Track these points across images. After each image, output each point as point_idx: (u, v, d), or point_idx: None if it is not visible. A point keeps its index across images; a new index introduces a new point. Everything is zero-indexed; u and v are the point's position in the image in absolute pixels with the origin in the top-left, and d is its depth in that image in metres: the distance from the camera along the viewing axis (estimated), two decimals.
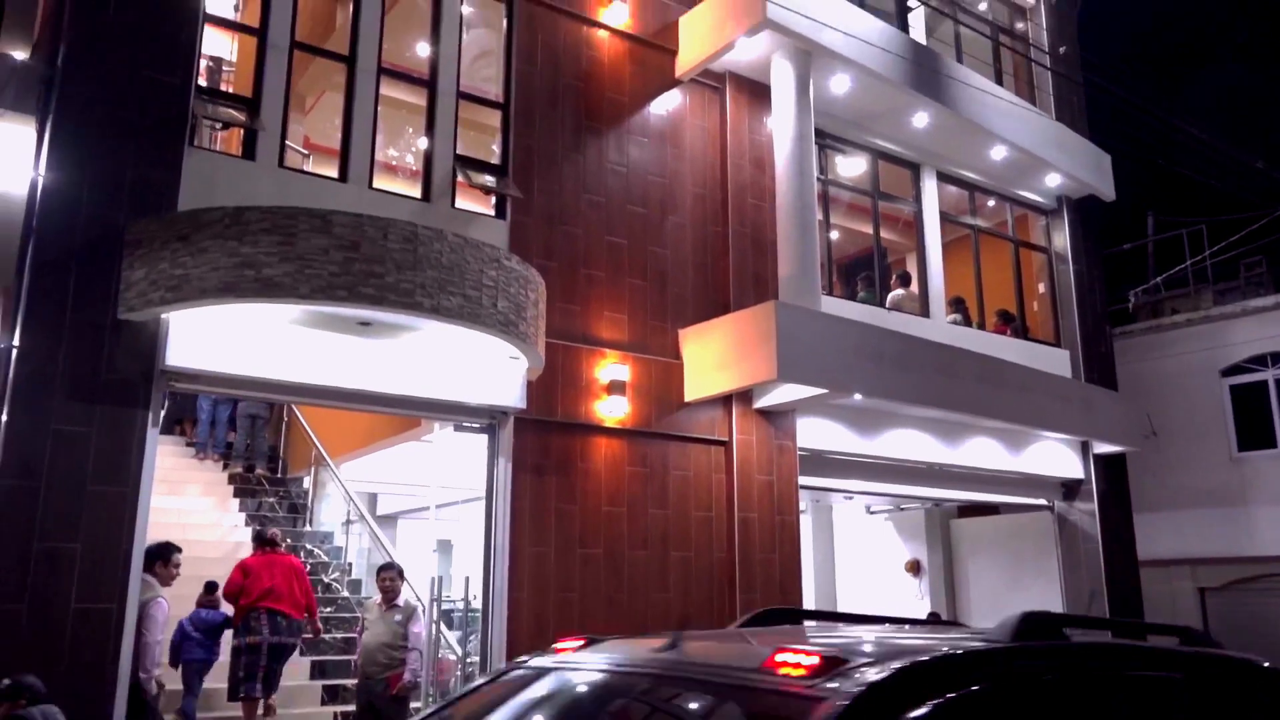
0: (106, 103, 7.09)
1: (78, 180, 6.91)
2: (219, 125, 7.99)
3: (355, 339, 7.44)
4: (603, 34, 10.05)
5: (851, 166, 12.10)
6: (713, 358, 9.46)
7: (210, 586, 8.74)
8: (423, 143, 8.96)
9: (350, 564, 11.62)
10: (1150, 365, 16.36)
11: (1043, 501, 13.11)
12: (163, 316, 6.86)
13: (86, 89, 7.07)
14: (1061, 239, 13.98)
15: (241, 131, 8.00)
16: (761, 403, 9.78)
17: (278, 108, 8.02)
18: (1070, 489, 13.06)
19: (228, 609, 8.56)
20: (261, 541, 8.90)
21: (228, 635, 8.46)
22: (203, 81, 8.10)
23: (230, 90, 8.93)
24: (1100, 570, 12.69)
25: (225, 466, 12.41)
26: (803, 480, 10.11)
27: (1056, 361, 13.16)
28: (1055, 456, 12.59)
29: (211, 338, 7.03)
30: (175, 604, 7.99)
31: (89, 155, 6.98)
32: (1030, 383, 11.40)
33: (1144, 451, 13.48)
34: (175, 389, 7.19)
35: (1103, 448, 12.94)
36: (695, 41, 10.35)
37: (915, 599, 14.55)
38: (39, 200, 6.91)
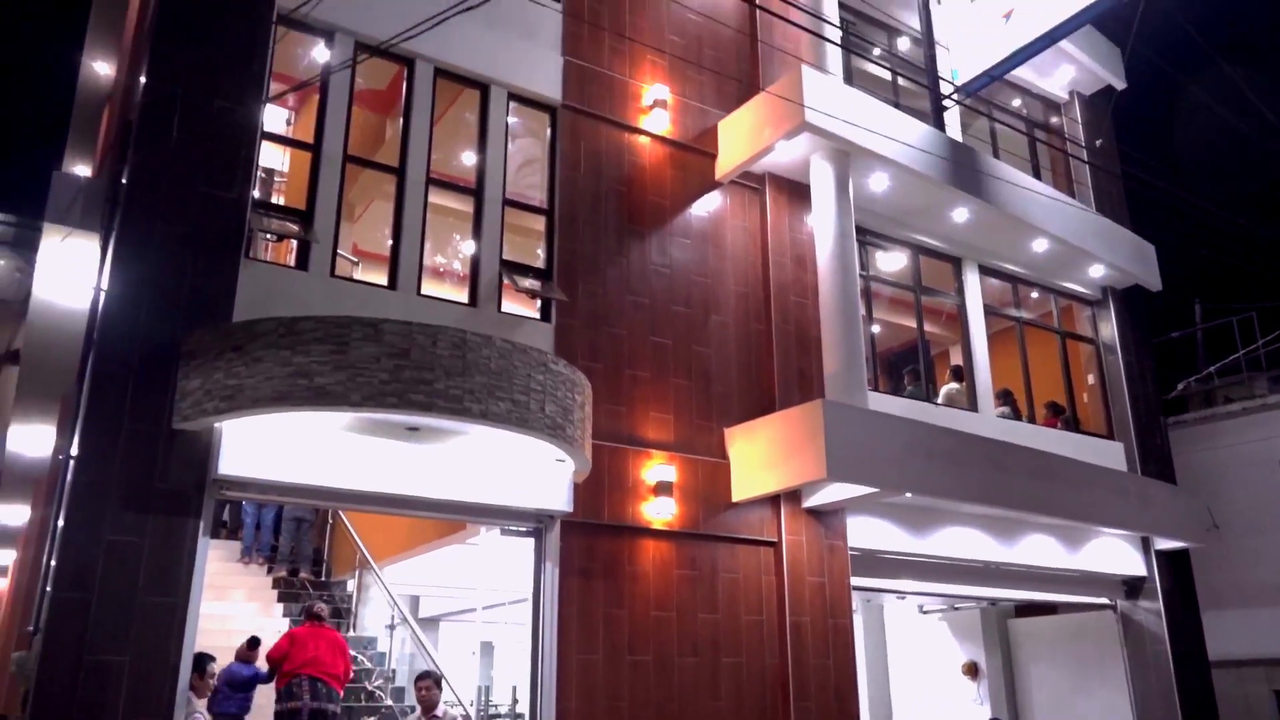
0: (167, 218, 7.32)
1: (137, 293, 7.09)
2: (273, 237, 8.20)
3: (403, 444, 7.46)
4: (644, 140, 10.27)
5: (892, 261, 12.13)
6: (760, 457, 9.35)
7: (253, 642, 8.83)
8: (469, 249, 9.13)
9: (394, 670, 11.43)
10: (1206, 455, 15.92)
11: (1105, 600, 12.65)
12: (216, 426, 6.94)
13: (148, 206, 7.30)
14: (1109, 329, 13.82)
15: (295, 242, 8.20)
16: (810, 502, 9.61)
17: (330, 219, 8.24)
18: (1133, 587, 12.60)
19: (262, 665, 8.64)
20: (309, 615, 9.07)
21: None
22: (256, 192, 8.36)
23: (283, 202, 9.18)
24: (1169, 672, 12.14)
25: (270, 570, 12.37)
26: (854, 581, 9.86)
27: (1111, 454, 12.87)
28: (1115, 553, 12.20)
29: (262, 446, 7.09)
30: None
31: (149, 269, 7.17)
32: (1085, 478, 11.11)
33: (1207, 546, 13.01)
34: (226, 497, 7.23)
35: (1165, 543, 12.52)
36: (734, 145, 10.53)
37: (974, 704, 13.98)
38: (100, 312, 7.11)
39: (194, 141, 7.57)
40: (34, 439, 12.05)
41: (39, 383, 10.63)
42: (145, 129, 7.44)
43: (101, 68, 21.69)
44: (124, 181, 7.29)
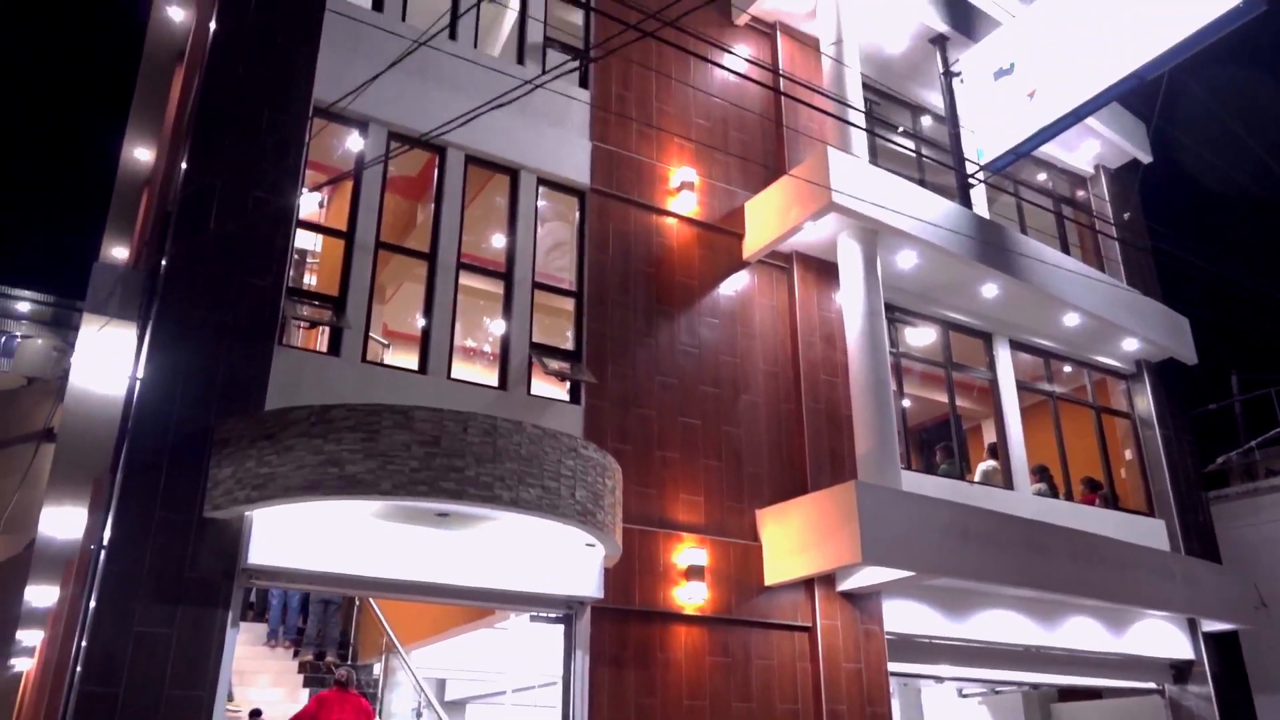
0: (203, 306, 7.42)
1: (172, 380, 7.15)
2: (307, 324, 8.28)
3: (433, 530, 7.40)
4: (671, 221, 10.36)
5: (921, 336, 12.06)
6: (793, 540, 9.20)
7: (255, 714, 9.25)
8: (499, 331, 9.17)
9: None
10: (1250, 531, 15.47)
11: (1151, 685, 12.22)
12: (246, 514, 6.92)
13: (185, 294, 7.41)
14: (1144, 403, 13.61)
15: (327, 328, 8.28)
16: (845, 585, 9.42)
17: (362, 305, 8.33)
18: (1181, 671, 12.18)
19: None
20: (336, 681, 9.56)
21: None
22: (290, 279, 8.47)
23: (314, 283, 9.29)
24: None
25: (296, 654, 12.25)
26: (892, 666, 9.59)
27: (1152, 532, 12.56)
28: (1161, 636, 11.82)
29: (292, 533, 7.05)
30: None
31: (184, 356, 7.24)
32: (1127, 558, 10.83)
33: (1257, 627, 12.58)
34: (255, 585, 7.18)
35: (1212, 625, 12.12)
36: (762, 225, 10.59)
37: None
38: (135, 400, 7.16)
39: (231, 231, 7.71)
40: (66, 521, 12.11)
41: (73, 466, 10.71)
42: (184, 219, 7.60)
43: (141, 153, 22.33)
44: (162, 270, 7.41)
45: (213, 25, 8.43)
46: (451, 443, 6.76)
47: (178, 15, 17.85)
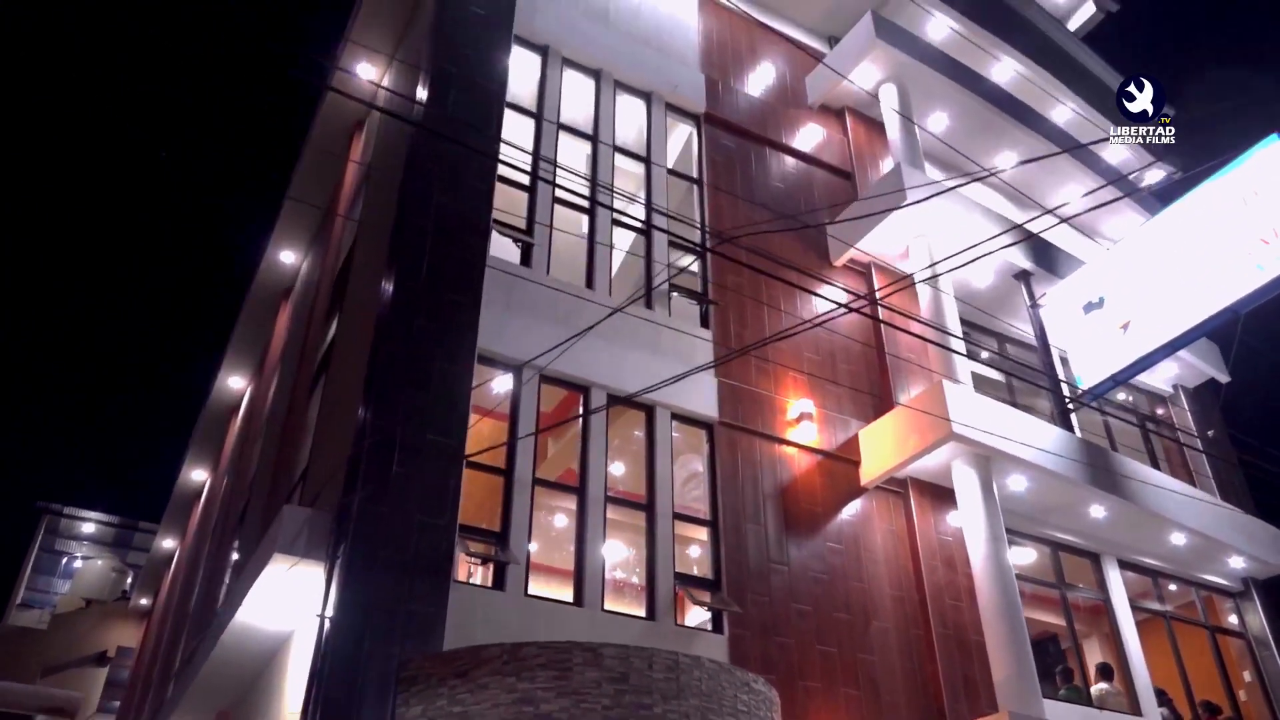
0: (390, 547, 7.87)
1: (361, 620, 7.51)
2: (479, 560, 8.69)
3: None
4: (792, 450, 10.88)
5: (1022, 556, 12.21)
6: None
7: None
8: (644, 562, 9.52)
9: None
10: None
11: None
12: None
13: (372, 536, 7.88)
14: (1256, 621, 13.49)
15: (491, 564, 8.67)
16: None
17: (523, 540, 8.77)
18: None
19: None
20: None
21: None
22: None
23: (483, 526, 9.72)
24: None
25: None
26: None
27: None
28: None
29: None
30: None
31: (372, 596, 7.63)
32: None
33: None
34: None
35: None
36: (878, 453, 11.07)
37: None
38: (325, 638, 7.49)
39: (410, 474, 8.28)
40: None
41: (206, 694, 10.89)
42: (371, 465, 8.18)
43: (235, 381, 23.55)
44: (353, 512, 7.90)
45: (389, 286, 9.33)
46: (639, 680, 6.99)
47: (289, 258, 19.39)
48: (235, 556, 12.93)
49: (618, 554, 10.60)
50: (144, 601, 33.56)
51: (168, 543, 29.80)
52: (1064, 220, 13.60)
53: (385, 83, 14.25)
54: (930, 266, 12.27)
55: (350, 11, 14.31)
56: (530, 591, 8.72)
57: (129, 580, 39.63)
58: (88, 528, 41.06)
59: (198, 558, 22.05)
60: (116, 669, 31.47)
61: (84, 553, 40.56)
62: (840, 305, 12.00)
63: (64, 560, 39.89)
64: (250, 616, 8.95)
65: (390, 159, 12.10)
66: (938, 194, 11.23)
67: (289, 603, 8.58)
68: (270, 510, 12.73)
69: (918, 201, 11.18)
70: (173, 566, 29.25)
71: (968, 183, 12.03)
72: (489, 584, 8.66)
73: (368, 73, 14.42)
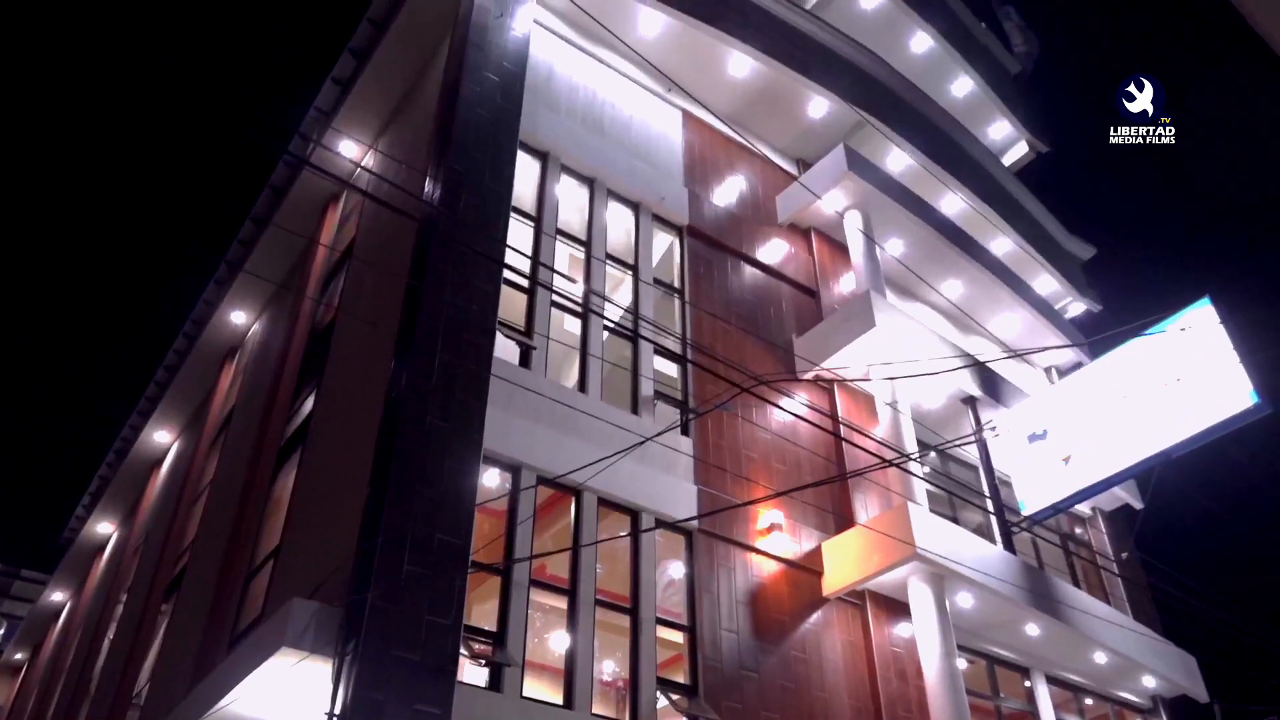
0: (400, 645, 8.03)
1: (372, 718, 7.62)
2: (482, 662, 8.87)
3: None
4: (760, 558, 11.39)
5: (961, 666, 12.92)
6: None
7: None
8: (629, 667, 9.83)
9: None
10: None
11: None
12: None
13: (384, 633, 8.03)
14: None
15: (488, 665, 8.88)
16: None
17: (519, 640, 9.00)
18: None
19: None
20: None
21: None
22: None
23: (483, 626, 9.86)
24: None
25: None
26: None
27: None
28: None
29: None
30: None
31: (381, 694, 7.75)
32: None
33: None
34: None
35: None
36: (841, 566, 11.69)
37: None
38: None
39: (420, 573, 8.48)
40: None
41: None
42: (384, 562, 8.35)
43: (162, 436, 23.01)
44: (366, 611, 8.04)
45: (399, 382, 9.57)
46: None
47: (239, 318, 19.26)
48: (199, 636, 12.55)
49: (604, 656, 10.86)
50: (18, 656, 31.68)
51: (57, 595, 28.35)
52: (1015, 354, 14.69)
53: (368, 163, 14.58)
54: (892, 391, 13.12)
55: (321, 87, 14.75)
56: (525, 693, 8.94)
57: (0, 631, 37.32)
58: None
59: (103, 616, 21.13)
60: None
61: None
62: (802, 419, 12.71)
63: None
64: (243, 708, 8.89)
65: (383, 247, 12.40)
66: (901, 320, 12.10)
67: (285, 697, 8.59)
68: (227, 583, 12.56)
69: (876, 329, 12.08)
70: (60, 621, 27.78)
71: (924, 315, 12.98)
72: (484, 684, 8.85)
73: (350, 150, 14.76)
